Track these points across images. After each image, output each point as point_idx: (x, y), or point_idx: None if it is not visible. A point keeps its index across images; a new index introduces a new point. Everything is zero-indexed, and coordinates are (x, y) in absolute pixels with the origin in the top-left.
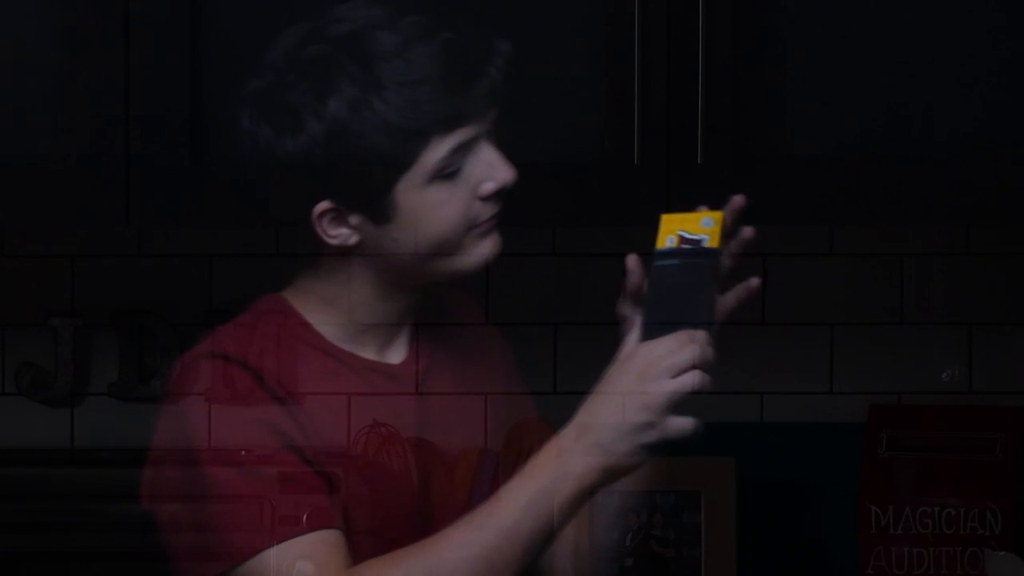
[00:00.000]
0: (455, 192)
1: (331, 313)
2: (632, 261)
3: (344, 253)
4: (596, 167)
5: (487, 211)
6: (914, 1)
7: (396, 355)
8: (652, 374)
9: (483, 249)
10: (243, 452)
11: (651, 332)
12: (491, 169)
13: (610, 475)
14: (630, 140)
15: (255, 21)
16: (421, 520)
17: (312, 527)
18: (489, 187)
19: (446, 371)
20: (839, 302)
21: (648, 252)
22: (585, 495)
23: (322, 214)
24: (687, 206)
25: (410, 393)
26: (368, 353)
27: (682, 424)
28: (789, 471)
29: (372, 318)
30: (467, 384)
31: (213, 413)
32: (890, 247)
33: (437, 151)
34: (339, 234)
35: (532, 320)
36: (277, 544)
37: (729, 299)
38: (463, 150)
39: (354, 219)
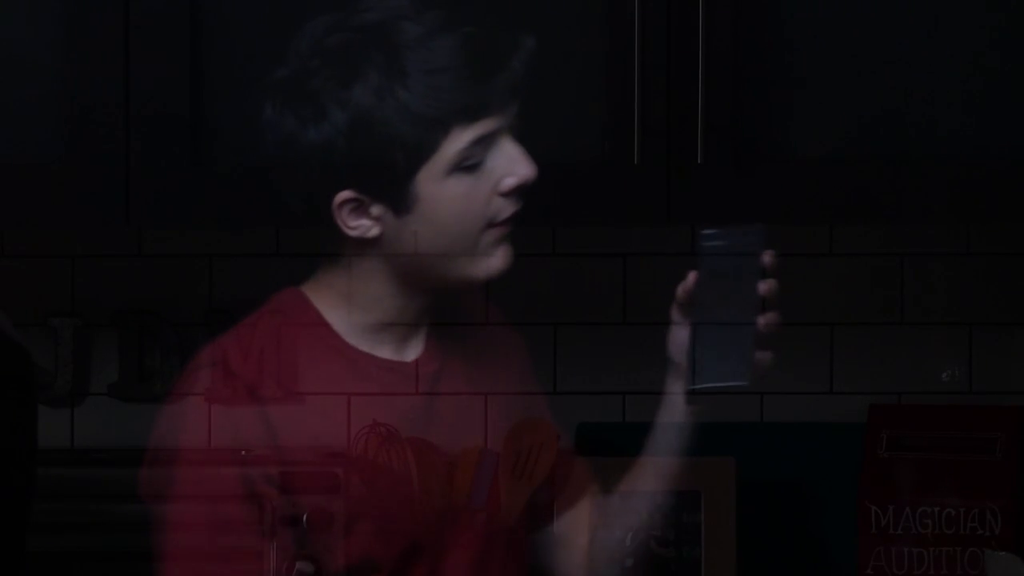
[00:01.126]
0: (476, 185)
1: (349, 310)
2: (692, 276)
3: (363, 247)
4: (596, 167)
5: (507, 208)
6: (914, 2)
7: (412, 353)
8: None
9: (495, 261)
10: (244, 452)
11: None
12: (513, 164)
13: None
14: (630, 140)
15: (255, 21)
16: (421, 520)
17: (312, 527)
18: (510, 182)
19: (460, 370)
20: (839, 302)
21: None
22: None
23: (342, 204)
24: (687, 206)
25: (423, 393)
26: (384, 350)
27: None
28: (789, 471)
29: (389, 316)
30: (481, 384)
31: (210, 413)
32: (890, 247)
33: (458, 141)
34: (359, 225)
35: (532, 320)
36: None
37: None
38: (484, 143)
39: (375, 209)
